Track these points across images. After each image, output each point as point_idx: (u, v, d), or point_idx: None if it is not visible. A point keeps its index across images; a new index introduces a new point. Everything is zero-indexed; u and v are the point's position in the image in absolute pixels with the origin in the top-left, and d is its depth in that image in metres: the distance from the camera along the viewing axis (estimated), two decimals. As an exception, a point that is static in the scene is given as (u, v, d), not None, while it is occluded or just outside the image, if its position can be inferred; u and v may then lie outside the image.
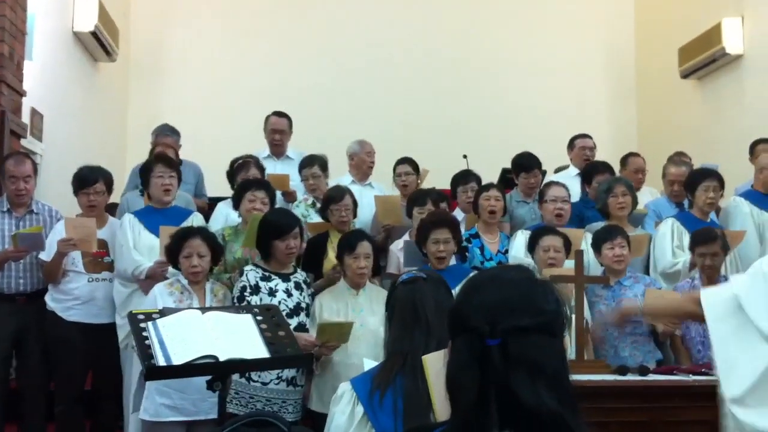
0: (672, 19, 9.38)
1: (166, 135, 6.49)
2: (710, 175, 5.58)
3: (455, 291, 1.96)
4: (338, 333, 4.17)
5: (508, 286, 1.58)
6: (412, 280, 2.61)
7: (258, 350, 3.03)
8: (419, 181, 6.44)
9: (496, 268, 1.79)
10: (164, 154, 5.57)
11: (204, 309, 3.33)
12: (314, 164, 5.93)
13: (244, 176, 5.56)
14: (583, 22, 10.06)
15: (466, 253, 5.12)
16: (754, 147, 6.54)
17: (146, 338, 3.03)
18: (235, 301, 4.33)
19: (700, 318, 2.26)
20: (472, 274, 1.68)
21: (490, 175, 6.60)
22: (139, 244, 4.98)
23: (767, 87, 7.79)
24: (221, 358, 2.93)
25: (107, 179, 5.21)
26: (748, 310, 2.10)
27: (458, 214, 5.91)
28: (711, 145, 8.13)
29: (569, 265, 4.60)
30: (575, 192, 6.12)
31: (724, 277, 4.84)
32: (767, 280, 2.09)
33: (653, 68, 9.82)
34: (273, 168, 6.28)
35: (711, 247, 4.75)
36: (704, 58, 8.51)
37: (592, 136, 7.00)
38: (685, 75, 8.95)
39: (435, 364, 2.08)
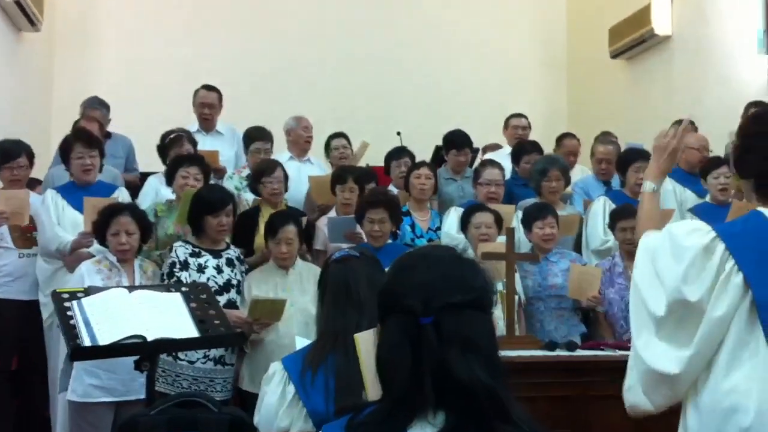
0: (602, -1, 9.51)
1: (94, 108, 6.31)
2: (641, 155, 5.69)
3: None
4: (270, 310, 4.13)
5: (438, 264, 1.59)
6: (344, 258, 2.61)
7: (187, 329, 2.99)
8: (356, 154, 6.42)
9: (424, 247, 1.80)
10: (84, 131, 5.38)
11: (132, 287, 3.26)
12: (267, 138, 5.90)
13: (177, 151, 5.45)
14: (515, 2, 10.12)
15: (397, 231, 5.13)
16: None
17: (71, 318, 2.96)
18: (165, 277, 4.27)
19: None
20: (400, 255, 1.68)
21: (424, 152, 6.62)
22: (62, 221, 4.86)
23: (694, 68, 7.97)
24: (149, 338, 2.88)
25: (29, 153, 5.07)
26: (654, 262, 2.21)
27: (392, 190, 5.92)
28: (639, 125, 8.27)
29: (501, 240, 4.67)
30: (508, 170, 6.19)
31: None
32: (672, 238, 2.17)
33: (584, 48, 9.94)
34: (202, 143, 6.17)
35: (630, 222, 4.85)
36: (633, 39, 8.63)
37: (526, 116, 7.08)
38: (615, 55, 9.09)
39: (366, 343, 2.07)
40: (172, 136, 5.65)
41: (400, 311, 1.52)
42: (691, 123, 6.63)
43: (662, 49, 8.51)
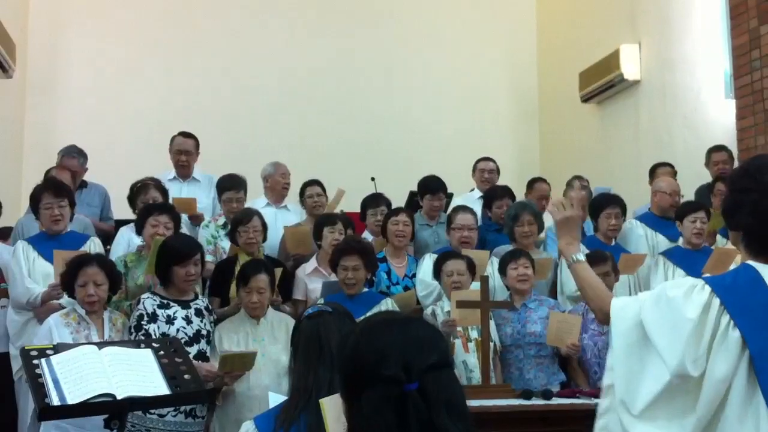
0: (573, 44, 9.67)
1: (71, 156, 6.25)
2: (613, 201, 5.75)
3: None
4: (241, 362, 4.10)
5: (403, 327, 1.59)
6: (317, 314, 2.58)
7: (158, 386, 2.94)
8: (332, 202, 6.40)
9: (377, 315, 1.79)
10: (53, 180, 5.33)
11: (101, 344, 3.21)
12: (239, 187, 5.86)
13: (144, 199, 5.43)
14: (487, 48, 10.26)
15: (373, 278, 5.12)
16: (653, 170, 6.78)
17: (39, 376, 2.89)
18: (132, 330, 4.20)
19: (604, 319, 2.32)
20: (358, 328, 1.65)
21: (398, 197, 6.63)
22: (33, 272, 4.81)
23: (662, 112, 8.11)
24: (119, 396, 2.83)
25: (-2, 201, 5.03)
26: (651, 335, 2.16)
27: (366, 236, 5.91)
28: (608, 168, 8.39)
29: (475, 286, 4.67)
30: (478, 215, 6.20)
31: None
32: (669, 305, 2.15)
33: (555, 92, 10.09)
34: (179, 190, 6.16)
35: (601, 268, 4.88)
36: (603, 83, 8.79)
37: (495, 159, 7.12)
38: (585, 99, 9.23)
39: (332, 407, 2.04)
40: (139, 184, 5.62)
41: (379, 381, 1.50)
42: (671, 166, 6.75)
43: (631, 93, 8.66)
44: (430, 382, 1.49)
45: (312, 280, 5.14)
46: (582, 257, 2.52)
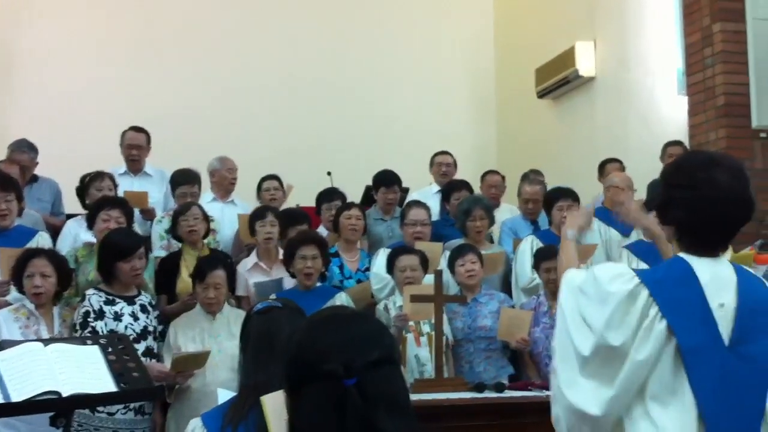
0: (530, 40, 9.71)
1: (22, 151, 6.12)
2: (566, 194, 5.80)
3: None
4: (194, 362, 4.06)
5: (347, 324, 1.59)
6: (267, 309, 2.57)
7: (105, 383, 2.89)
8: (285, 198, 6.39)
9: (323, 310, 1.78)
10: (0, 174, 5.22)
11: (48, 341, 3.15)
12: (193, 182, 5.81)
13: (98, 187, 5.35)
14: (445, 42, 10.26)
15: (326, 272, 5.11)
16: (603, 166, 6.86)
17: (-17, 373, 2.83)
18: (78, 327, 4.13)
19: None
20: (303, 322, 1.65)
21: (354, 192, 6.62)
22: (-21, 268, 4.69)
23: (617, 108, 8.19)
24: (65, 394, 2.78)
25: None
26: (580, 304, 2.26)
27: (321, 231, 5.89)
28: (565, 163, 8.46)
29: (429, 280, 4.69)
30: (436, 209, 6.22)
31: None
32: (596, 283, 2.23)
33: (512, 88, 10.14)
34: (130, 185, 6.06)
35: (553, 263, 4.93)
36: (559, 80, 8.86)
37: (453, 153, 7.14)
38: (541, 95, 9.29)
39: (274, 405, 2.03)
40: (91, 175, 5.53)
41: (319, 377, 1.49)
42: (619, 161, 6.85)
43: (586, 89, 8.74)
44: (370, 379, 1.48)
45: (252, 276, 5.09)
46: (571, 236, 2.71)
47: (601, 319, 2.15)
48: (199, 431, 2.41)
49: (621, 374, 2.13)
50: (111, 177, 5.59)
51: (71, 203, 6.28)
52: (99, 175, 5.48)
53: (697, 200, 2.20)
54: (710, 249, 2.24)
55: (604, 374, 2.15)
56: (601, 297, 2.18)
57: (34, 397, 2.75)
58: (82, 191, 5.50)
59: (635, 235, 5.67)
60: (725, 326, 2.15)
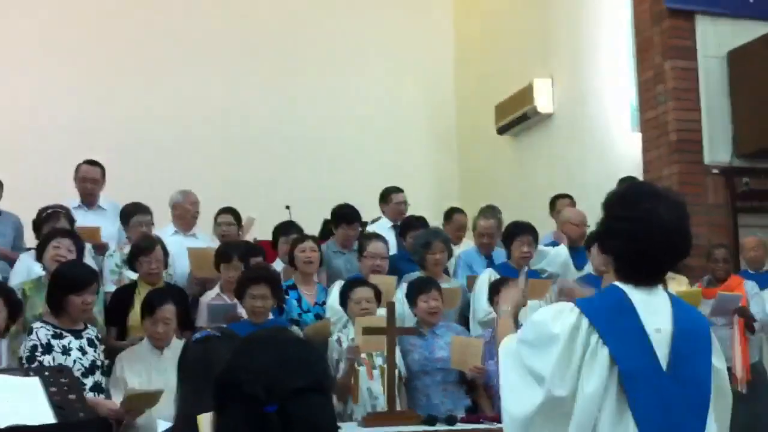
0: (489, 77, 9.83)
1: None
2: (525, 229, 5.85)
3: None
4: (146, 401, 3.99)
5: (278, 348, 1.58)
6: (204, 338, 2.55)
7: (44, 416, 2.85)
8: (241, 232, 6.36)
9: (265, 330, 1.78)
10: None
11: (-14, 373, 3.11)
12: (146, 212, 5.79)
13: (53, 226, 5.27)
14: (406, 79, 10.34)
15: (284, 306, 5.08)
16: (554, 202, 6.95)
17: None
18: (25, 361, 4.05)
19: None
20: (242, 338, 1.65)
21: (312, 225, 6.62)
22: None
23: (574, 144, 8.32)
24: (2, 425, 2.74)
25: None
26: (523, 358, 2.26)
27: (278, 264, 5.88)
28: (524, 198, 8.53)
29: (381, 313, 4.69)
30: (391, 243, 6.24)
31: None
32: (536, 328, 2.24)
33: (473, 124, 10.24)
34: (84, 218, 5.99)
35: (509, 295, 4.96)
36: (518, 116, 8.98)
37: (415, 189, 7.19)
38: (501, 131, 9.40)
39: (208, 424, 2.01)
40: (49, 211, 5.48)
41: (241, 399, 1.48)
42: (570, 197, 6.95)
43: (545, 125, 8.87)
44: (294, 406, 1.47)
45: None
46: (505, 313, 2.64)
47: (549, 363, 2.15)
48: (134, 462, 2.39)
49: (575, 412, 2.12)
50: (67, 214, 5.55)
51: (31, 238, 6.22)
52: (55, 214, 5.44)
53: (636, 231, 2.22)
54: (646, 279, 2.26)
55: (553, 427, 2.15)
56: (544, 341, 2.18)
57: (-32, 429, 2.71)
58: (38, 225, 5.45)
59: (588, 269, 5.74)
60: (662, 351, 2.17)
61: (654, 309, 2.21)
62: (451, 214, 6.95)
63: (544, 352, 2.16)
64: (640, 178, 6.76)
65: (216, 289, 5.24)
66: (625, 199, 2.33)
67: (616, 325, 2.18)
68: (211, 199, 6.72)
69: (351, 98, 10.05)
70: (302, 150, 9.75)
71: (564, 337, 2.15)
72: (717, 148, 6.81)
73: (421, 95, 10.46)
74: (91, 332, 4.35)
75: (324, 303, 5.38)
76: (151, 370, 4.26)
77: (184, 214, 6.30)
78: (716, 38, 6.92)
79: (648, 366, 2.15)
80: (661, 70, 6.93)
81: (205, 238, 6.33)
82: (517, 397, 2.20)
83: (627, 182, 6.53)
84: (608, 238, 2.31)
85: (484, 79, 9.95)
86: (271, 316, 4.81)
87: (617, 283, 2.28)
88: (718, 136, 6.81)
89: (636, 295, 2.22)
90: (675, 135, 6.76)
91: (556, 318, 2.20)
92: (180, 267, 5.75)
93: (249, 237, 6.44)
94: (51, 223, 5.35)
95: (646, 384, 2.14)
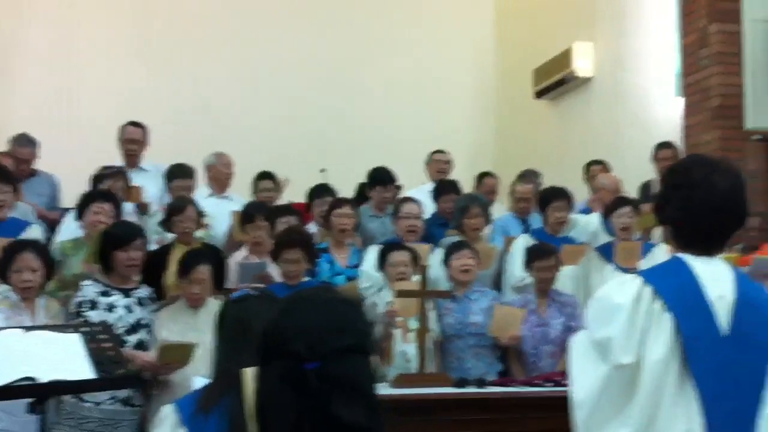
0: (529, 41, 9.70)
1: (23, 146, 6.15)
2: (560, 194, 5.80)
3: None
4: (180, 354, 4.04)
5: (322, 308, 1.60)
6: (242, 298, 2.58)
7: (83, 371, 2.92)
8: (279, 194, 6.41)
9: (309, 290, 1.79)
10: None
11: (29, 328, 3.18)
12: (188, 176, 5.87)
13: (112, 186, 5.41)
14: (445, 44, 10.23)
15: (315, 268, 5.12)
16: (588, 168, 6.88)
17: (-38, 360, 2.86)
18: (71, 317, 4.15)
19: None
20: (285, 297, 1.67)
21: (349, 188, 6.64)
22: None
23: (613, 109, 8.20)
24: (42, 380, 2.81)
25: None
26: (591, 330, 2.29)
27: (312, 227, 5.91)
28: (560, 164, 8.45)
29: (418, 278, 4.70)
30: (431, 207, 6.23)
31: (555, 290, 5.05)
32: (601, 302, 2.28)
33: (511, 88, 10.12)
34: (127, 180, 6.09)
35: (546, 262, 4.95)
36: (556, 80, 8.86)
37: (449, 152, 7.17)
38: (539, 95, 9.29)
39: (251, 380, 2.05)
40: (113, 170, 5.57)
41: (283, 356, 1.51)
42: (603, 163, 6.88)
43: (583, 90, 8.75)
44: (335, 365, 1.49)
45: (242, 265, 5.09)
46: None
47: (614, 330, 2.18)
48: (171, 417, 2.41)
49: (641, 382, 2.15)
50: (125, 176, 5.64)
51: (69, 199, 6.32)
52: (117, 175, 5.54)
53: (689, 198, 2.26)
54: (704, 249, 2.30)
55: (620, 400, 2.17)
56: (609, 311, 2.22)
57: (11, 382, 2.78)
58: (96, 182, 5.54)
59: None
60: (724, 317, 2.20)
61: (715, 277, 2.25)
62: (482, 177, 6.94)
63: (609, 321, 2.20)
64: (680, 143, 6.67)
65: (244, 251, 5.26)
66: (681, 167, 2.40)
67: (678, 292, 2.22)
68: (247, 162, 6.78)
69: (388, 60, 9.99)
70: (340, 112, 9.73)
71: (628, 306, 2.19)
72: (759, 114, 6.66)
73: (460, 58, 10.35)
74: (143, 292, 4.42)
75: (356, 266, 5.39)
76: (187, 329, 4.32)
77: (218, 176, 6.38)
78: (763, 1, 6.74)
79: (709, 331, 2.19)
80: (706, 33, 6.78)
81: (240, 200, 6.38)
82: (584, 378, 2.23)
83: (664, 147, 6.55)
84: (665, 207, 2.35)
85: (525, 42, 9.81)
86: (305, 279, 4.84)
87: (679, 254, 2.32)
88: (760, 101, 6.66)
89: (696, 264, 2.26)
90: (717, 100, 6.63)
91: (619, 289, 2.25)
92: (216, 229, 5.81)
93: (284, 200, 6.49)
94: (112, 182, 5.45)
95: (707, 349, 2.17)
